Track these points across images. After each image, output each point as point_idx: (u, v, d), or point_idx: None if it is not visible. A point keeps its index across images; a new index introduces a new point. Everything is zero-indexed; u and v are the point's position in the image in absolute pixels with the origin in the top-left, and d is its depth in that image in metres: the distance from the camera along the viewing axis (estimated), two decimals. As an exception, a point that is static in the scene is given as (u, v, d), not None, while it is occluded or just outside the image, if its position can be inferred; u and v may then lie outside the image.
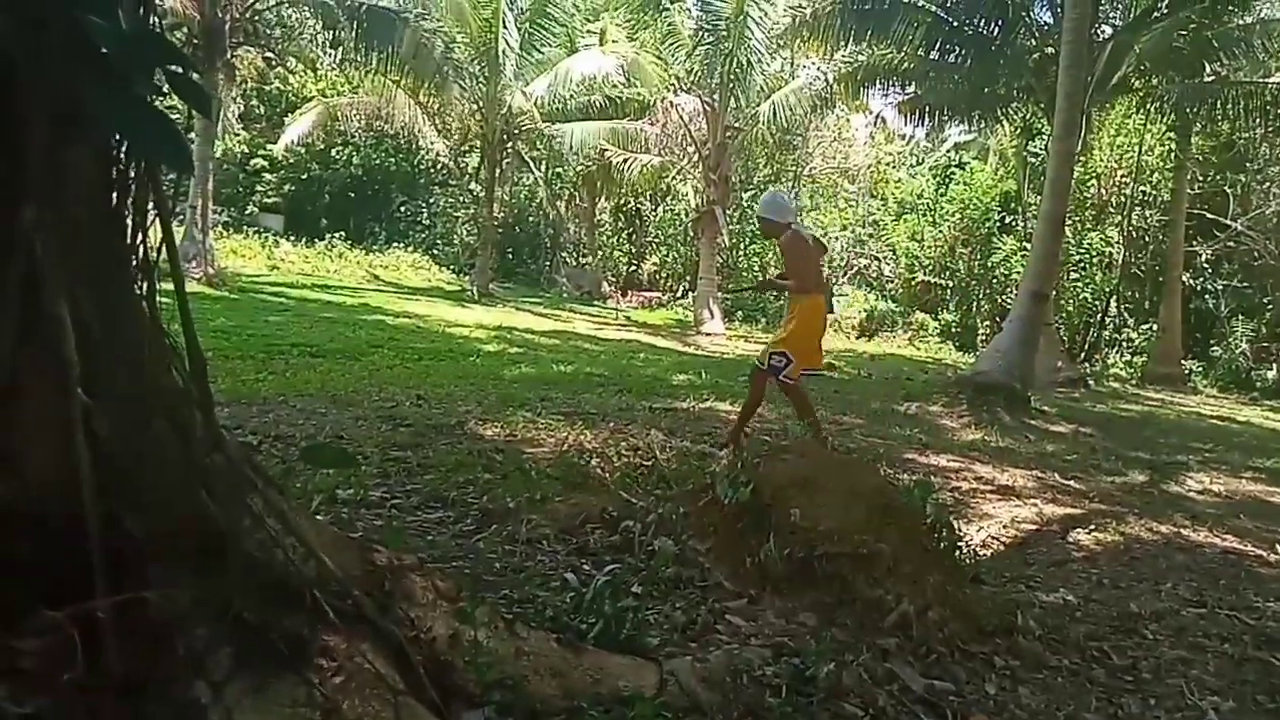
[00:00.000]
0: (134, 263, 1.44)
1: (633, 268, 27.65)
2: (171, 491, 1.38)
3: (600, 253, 27.42)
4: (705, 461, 4.55)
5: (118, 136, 1.39)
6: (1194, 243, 19.22)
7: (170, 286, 1.52)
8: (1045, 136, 16.25)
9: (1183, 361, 18.18)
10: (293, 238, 23.86)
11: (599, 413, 6.18)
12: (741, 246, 23.45)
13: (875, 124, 22.91)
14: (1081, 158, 16.11)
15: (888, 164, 26.95)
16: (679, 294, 24.80)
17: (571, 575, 2.69)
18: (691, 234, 22.30)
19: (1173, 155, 18.71)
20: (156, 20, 1.47)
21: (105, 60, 1.21)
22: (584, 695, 1.85)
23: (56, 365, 1.24)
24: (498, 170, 21.07)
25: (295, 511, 1.70)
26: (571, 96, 19.92)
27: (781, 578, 2.81)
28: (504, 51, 18.71)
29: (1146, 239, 20.54)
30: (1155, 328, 18.69)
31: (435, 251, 26.73)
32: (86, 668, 1.18)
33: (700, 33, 17.43)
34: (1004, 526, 4.50)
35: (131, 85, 1.24)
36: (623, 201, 26.40)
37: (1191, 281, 19.27)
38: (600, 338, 14.15)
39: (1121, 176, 20.08)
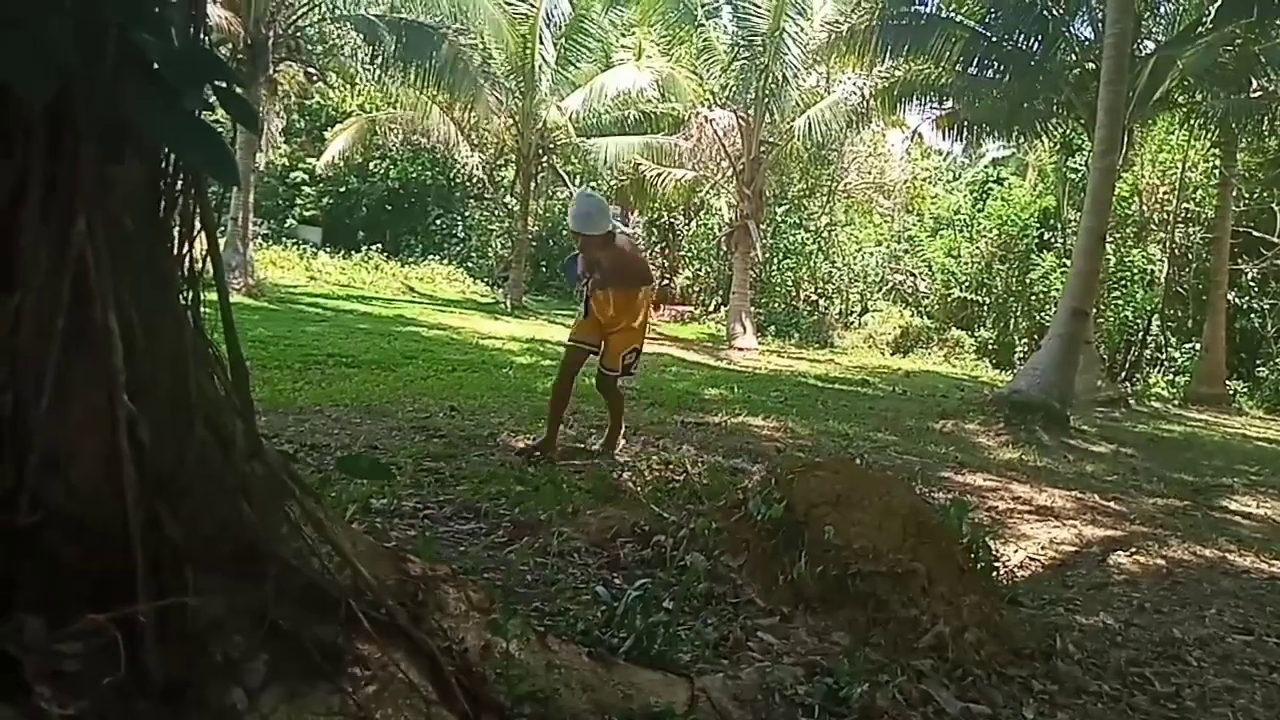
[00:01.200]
0: (180, 273, 1.47)
1: (665, 282, 27.65)
2: (211, 498, 1.40)
3: (634, 267, 27.44)
4: (737, 477, 4.53)
5: (166, 150, 1.42)
6: (1239, 260, 18.79)
7: (214, 296, 1.55)
8: (1085, 152, 16.07)
9: (1227, 382, 17.78)
10: (330, 250, 24.20)
11: (630, 426, 6.17)
12: (775, 261, 23.37)
13: (912, 139, 22.76)
14: (1123, 174, 15.90)
15: (924, 179, 26.74)
16: (711, 308, 24.76)
17: (602, 589, 2.68)
18: (724, 249, 22.26)
19: (1217, 171, 18.36)
20: (205, 37, 1.51)
21: (156, 75, 1.23)
22: (615, 710, 1.84)
23: (103, 373, 1.26)
24: (532, 184, 21.22)
25: (331, 520, 1.71)
26: (606, 111, 20.02)
27: (814, 596, 2.78)
28: (540, 67, 18.88)
29: (1190, 256, 20.17)
30: (1199, 347, 18.30)
31: (469, 264, 26.95)
32: (127, 671, 1.19)
33: (736, 48, 17.45)
34: (1042, 547, 4.42)
35: (181, 100, 1.26)
36: (656, 216, 26.44)
37: (1236, 300, 18.85)
38: (633, 351, 14.13)
39: (1164, 193, 19.77)
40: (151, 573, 1.26)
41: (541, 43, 18.75)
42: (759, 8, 16.63)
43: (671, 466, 4.65)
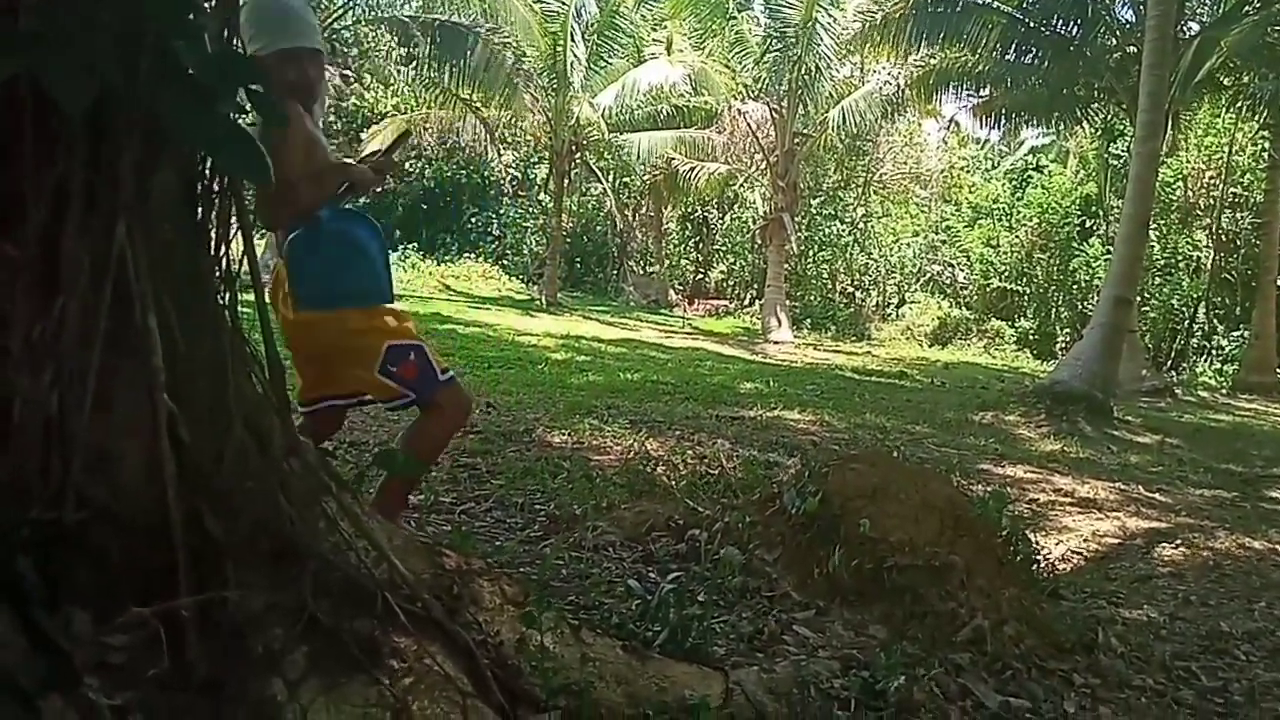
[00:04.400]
0: (217, 274, 1.50)
1: (699, 276, 27.58)
2: (250, 495, 1.43)
3: (667, 261, 27.43)
4: (773, 470, 4.52)
5: (202, 154, 1.45)
6: (1289, 245, 18.29)
7: (250, 297, 1.58)
8: (1127, 138, 15.72)
9: (1277, 370, 17.32)
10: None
11: (665, 420, 6.18)
12: (810, 254, 23.20)
13: (948, 128, 22.45)
14: (1166, 159, 15.55)
15: (961, 168, 26.37)
16: (746, 302, 24.65)
17: (635, 583, 2.69)
18: (759, 241, 22.14)
19: (1266, 155, 17.86)
20: (240, 42, 1.54)
21: (192, 82, 1.26)
22: (650, 703, 1.85)
23: (144, 374, 1.29)
24: (566, 181, 21.27)
25: (367, 515, 1.74)
26: (638, 106, 19.98)
27: (850, 589, 2.77)
28: (571, 64, 18.92)
29: (1238, 242, 19.63)
30: (1247, 334, 17.84)
31: (505, 262, 27.08)
32: (171, 664, 1.23)
33: (768, 40, 17.33)
34: (1084, 540, 4.36)
35: (215, 105, 1.29)
36: (690, 210, 26.36)
37: (1287, 286, 18.35)
38: (667, 346, 14.15)
39: (1210, 177, 19.26)
40: (193, 568, 1.30)
41: (573, 40, 18.77)
42: (791, -1, 16.52)
43: (706, 461, 4.65)
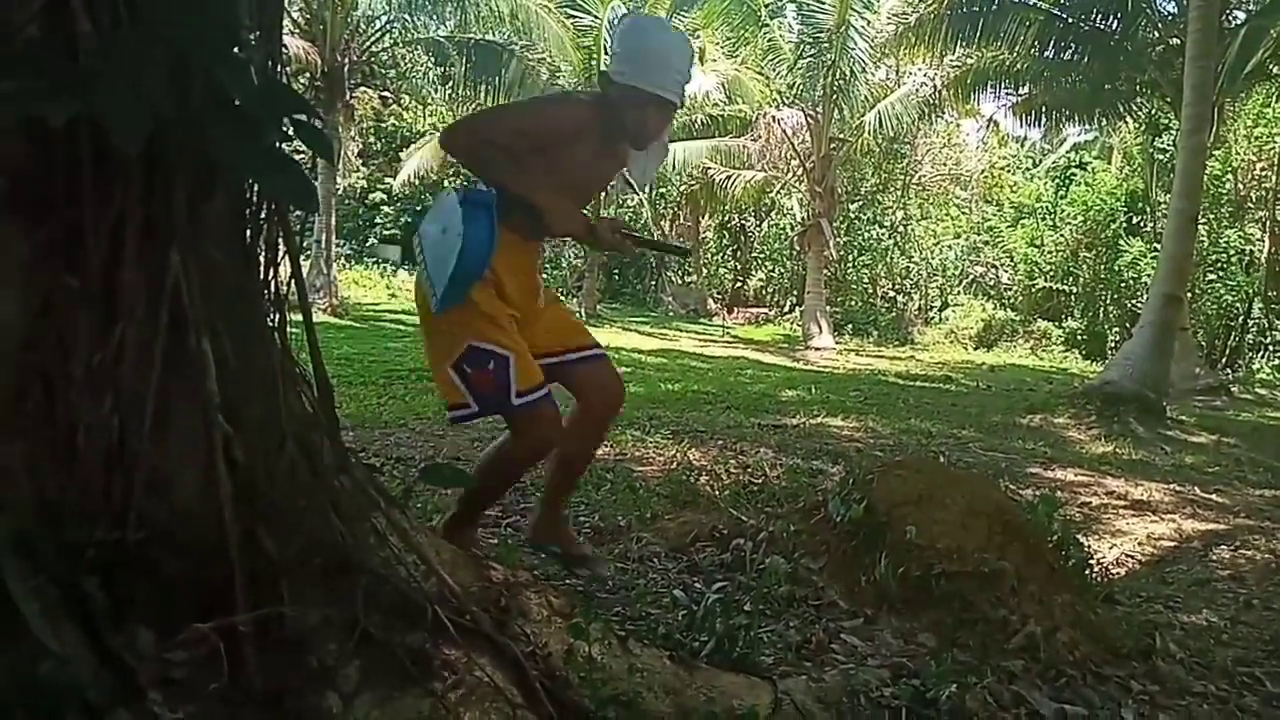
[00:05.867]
0: (266, 297, 1.55)
1: (738, 284, 27.54)
2: (302, 512, 1.47)
3: (705, 270, 27.44)
4: (817, 478, 4.49)
5: (250, 181, 1.50)
6: (1348, 236, 17.76)
7: (299, 318, 1.62)
8: (1173, 132, 15.40)
9: (1339, 364, 16.82)
10: (409, 267, 24.83)
11: (707, 430, 6.17)
12: (850, 259, 23.05)
13: (987, 128, 22.16)
14: (1214, 152, 15.19)
15: (1002, 168, 26.02)
16: (786, 309, 24.54)
17: (681, 593, 2.69)
18: (797, 248, 22.06)
19: (1320, 144, 17.40)
20: (284, 70, 1.58)
21: (239, 113, 1.30)
22: (698, 713, 1.85)
23: (200, 397, 1.34)
24: (603, 193, 21.39)
25: (416, 530, 1.77)
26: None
27: (898, 597, 2.74)
28: (606, 77, 19.04)
29: (1292, 234, 19.12)
30: (1306, 329, 17.36)
31: (544, 274, 27.29)
32: (230, 679, 1.26)
33: (801, 46, 17.32)
34: (1139, 544, 4.26)
35: (262, 134, 1.33)
36: (727, 218, 26.37)
37: (1346, 278, 17.82)
38: (707, 355, 14.14)
39: (1262, 169, 18.78)
40: (249, 585, 1.33)
41: (606, 53, 18.91)
42: (824, 4, 16.47)
43: (749, 470, 4.63)
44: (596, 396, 2.72)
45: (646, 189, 23.15)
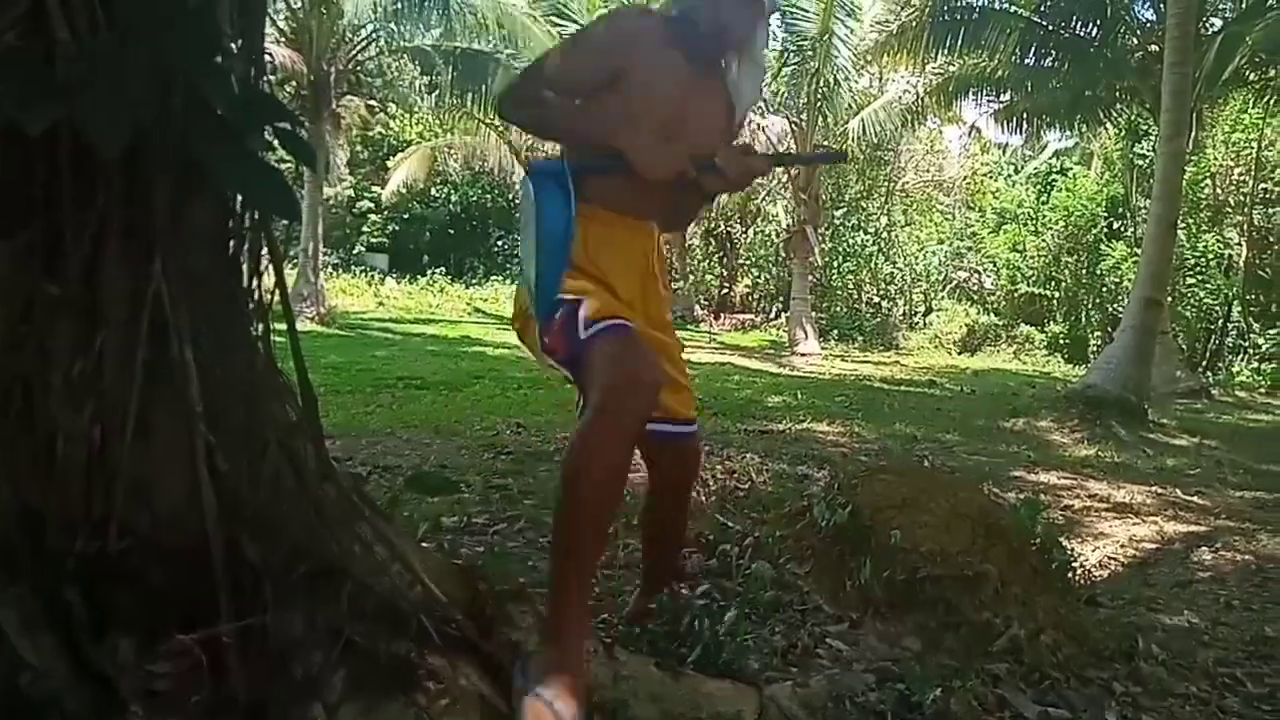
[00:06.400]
0: (250, 305, 1.54)
1: (724, 291, 27.59)
2: (286, 521, 1.46)
3: (691, 277, 27.48)
4: (803, 483, 4.50)
5: (232, 190, 1.49)
6: (1325, 240, 18.01)
7: (283, 326, 1.62)
8: (1152, 138, 15.56)
9: (1318, 367, 16.99)
10: (397, 275, 24.81)
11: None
12: (835, 265, 23.14)
13: (969, 134, 22.34)
14: (1193, 157, 15.36)
15: (984, 174, 26.22)
16: (772, 315, 24.60)
17: (666, 599, 2.69)
18: (783, 255, 22.12)
19: (1296, 149, 17.63)
20: (267, 79, 1.58)
21: (221, 122, 1.30)
22: (684, 720, 1.85)
23: (182, 405, 1.33)
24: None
25: (402, 539, 1.76)
26: (659, 125, 20.12)
27: (883, 601, 2.75)
28: (592, 85, 19.09)
29: (1271, 238, 19.34)
30: (1285, 332, 17.55)
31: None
32: (213, 690, 1.25)
33: (785, 54, 17.39)
34: (1121, 546, 4.29)
35: (244, 143, 1.33)
36: (713, 226, 26.43)
37: (1324, 281, 18.05)
38: (694, 361, 14.13)
39: (1240, 174, 19.02)
40: (232, 595, 1.33)
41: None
42: (806, 12, 16.55)
43: (736, 475, 4.64)
44: (675, 470, 2.42)
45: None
